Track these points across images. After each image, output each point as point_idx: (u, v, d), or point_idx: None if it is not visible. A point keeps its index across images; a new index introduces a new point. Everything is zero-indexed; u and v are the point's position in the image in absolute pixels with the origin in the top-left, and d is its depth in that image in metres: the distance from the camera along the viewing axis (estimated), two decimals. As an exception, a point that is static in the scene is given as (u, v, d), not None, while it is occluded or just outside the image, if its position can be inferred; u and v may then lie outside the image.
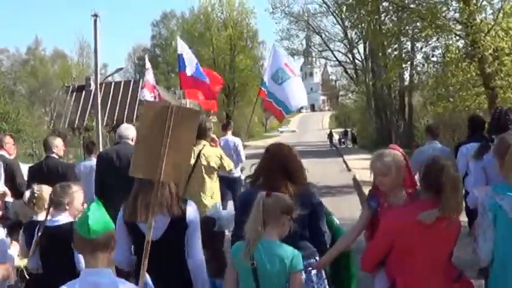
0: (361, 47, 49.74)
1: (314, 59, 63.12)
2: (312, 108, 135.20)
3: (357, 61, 51.35)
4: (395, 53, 18.73)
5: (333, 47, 52.88)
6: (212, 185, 6.38)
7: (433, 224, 3.24)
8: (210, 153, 6.34)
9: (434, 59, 17.67)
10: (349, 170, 23.64)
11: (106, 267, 2.70)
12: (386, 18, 17.98)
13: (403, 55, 18.41)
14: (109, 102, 47.91)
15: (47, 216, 4.08)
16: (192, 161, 6.00)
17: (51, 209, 4.10)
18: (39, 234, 4.03)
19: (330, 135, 51.33)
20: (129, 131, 6.47)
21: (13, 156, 7.41)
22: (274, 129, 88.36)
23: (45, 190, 4.52)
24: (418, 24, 16.51)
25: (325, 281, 3.85)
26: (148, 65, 12.02)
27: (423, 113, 32.35)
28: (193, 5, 57.09)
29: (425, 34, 16.28)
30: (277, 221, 3.27)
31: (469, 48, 16.16)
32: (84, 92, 49.61)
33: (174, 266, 3.66)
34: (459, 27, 17.21)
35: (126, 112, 46.48)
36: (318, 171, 20.78)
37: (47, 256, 4.04)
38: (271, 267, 3.17)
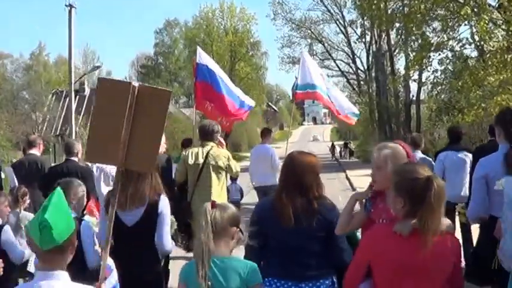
0: (363, 56, 46.16)
1: (316, 68, 59.02)
2: (314, 121, 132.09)
3: (359, 71, 47.19)
4: (419, 41, 13.97)
5: (335, 56, 48.65)
6: (219, 185, 6.43)
7: (412, 243, 2.63)
8: (218, 153, 6.47)
9: (468, 51, 13.24)
10: (353, 189, 19.27)
11: (62, 270, 2.39)
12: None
13: (431, 41, 13.69)
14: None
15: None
16: (201, 161, 6.34)
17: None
18: None
19: (332, 148, 48.91)
20: None
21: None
22: (276, 141, 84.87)
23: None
24: (451, 4, 12.06)
25: None
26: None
27: (433, 124, 28.18)
28: (196, 13, 52.93)
29: (463, 13, 11.75)
30: (227, 235, 2.90)
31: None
32: (77, 97, 45.86)
33: (145, 247, 3.84)
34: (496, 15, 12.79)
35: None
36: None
37: None
38: (227, 284, 2.81)
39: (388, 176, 2.99)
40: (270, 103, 78.73)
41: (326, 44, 48.36)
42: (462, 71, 13.62)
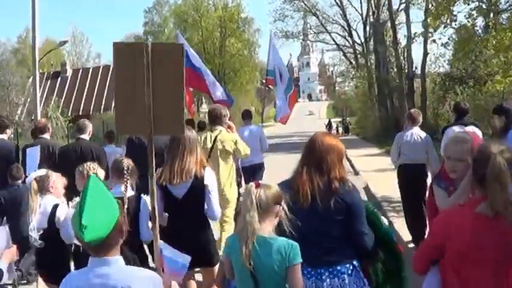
0: (360, 29, 42.93)
1: (310, 43, 55.78)
2: (309, 97, 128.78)
3: (356, 45, 43.99)
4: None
5: (330, 29, 45.41)
6: (227, 168, 6.51)
7: (486, 224, 2.56)
8: (226, 138, 6.59)
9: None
10: (356, 173, 16.25)
11: (115, 255, 2.36)
12: None
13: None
14: (86, 89, 41.16)
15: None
16: (209, 146, 6.45)
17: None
18: None
19: (329, 124, 46.58)
20: None
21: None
22: (270, 119, 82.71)
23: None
24: None
25: None
26: None
27: (442, 96, 25.28)
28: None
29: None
30: (271, 213, 2.88)
31: None
32: (59, 79, 42.84)
33: (195, 217, 4.12)
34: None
35: (104, 99, 39.81)
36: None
37: None
38: (270, 263, 2.77)
39: (467, 168, 3.06)
40: (263, 81, 75.75)
41: (320, 17, 45.42)
42: (496, 26, 10.65)
